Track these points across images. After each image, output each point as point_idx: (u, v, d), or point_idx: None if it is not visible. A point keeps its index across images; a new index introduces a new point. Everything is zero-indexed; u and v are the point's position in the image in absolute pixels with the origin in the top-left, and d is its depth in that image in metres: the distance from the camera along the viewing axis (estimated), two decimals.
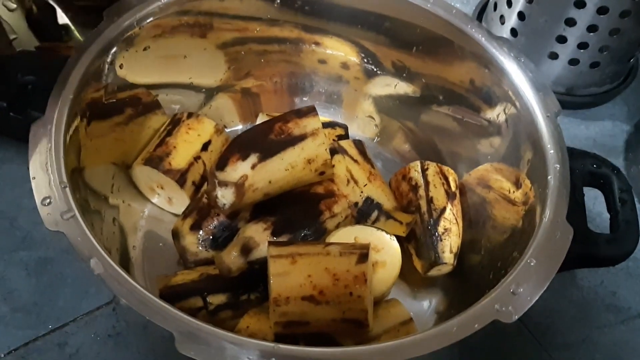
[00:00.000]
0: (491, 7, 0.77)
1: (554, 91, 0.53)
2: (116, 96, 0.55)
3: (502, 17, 0.74)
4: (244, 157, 0.50)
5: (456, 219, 0.57)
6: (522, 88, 0.53)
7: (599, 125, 0.76)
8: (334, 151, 0.58)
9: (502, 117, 0.56)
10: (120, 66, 0.54)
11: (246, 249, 0.49)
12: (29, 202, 0.42)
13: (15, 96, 0.50)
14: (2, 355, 0.52)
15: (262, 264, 0.49)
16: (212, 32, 0.60)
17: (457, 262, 0.56)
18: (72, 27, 0.68)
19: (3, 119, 0.51)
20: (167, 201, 0.60)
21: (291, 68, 0.66)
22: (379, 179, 0.58)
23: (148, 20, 0.54)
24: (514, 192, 0.53)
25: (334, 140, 0.62)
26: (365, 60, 0.64)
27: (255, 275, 0.50)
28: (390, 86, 0.65)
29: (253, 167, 0.50)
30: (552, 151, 0.49)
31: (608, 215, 0.51)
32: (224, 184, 0.49)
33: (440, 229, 0.56)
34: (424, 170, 0.59)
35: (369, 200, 0.57)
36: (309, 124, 0.52)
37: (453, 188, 0.59)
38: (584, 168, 0.52)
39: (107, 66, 0.52)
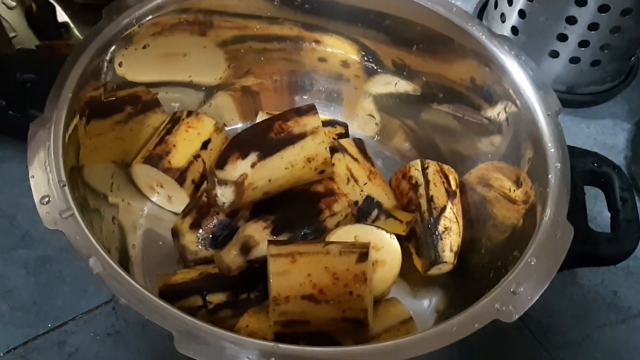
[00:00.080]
0: (492, 5, 0.77)
1: (554, 89, 0.53)
2: (115, 94, 0.55)
3: (502, 15, 0.74)
4: (244, 156, 0.50)
5: (456, 218, 0.57)
6: (523, 86, 0.53)
7: (600, 123, 0.76)
8: (334, 150, 0.57)
9: (502, 116, 0.55)
10: (120, 64, 0.54)
11: (246, 248, 0.49)
12: (28, 200, 0.42)
13: (14, 94, 0.50)
14: (2, 354, 0.52)
15: (262, 262, 0.49)
16: (212, 30, 0.60)
17: (457, 261, 0.55)
18: (72, 25, 0.68)
19: (2, 118, 0.51)
20: (167, 200, 0.60)
21: (291, 66, 0.66)
22: (379, 178, 0.58)
23: (147, 18, 0.54)
24: (514, 190, 0.53)
25: (334, 138, 0.62)
26: (366, 58, 0.64)
27: (255, 274, 0.50)
28: (390, 84, 0.65)
29: (253, 165, 0.50)
30: (552, 150, 0.49)
31: (609, 214, 0.51)
32: (223, 182, 0.49)
33: (441, 228, 0.55)
34: (424, 169, 0.59)
35: (369, 199, 0.56)
36: (309, 122, 0.52)
37: (453, 187, 0.59)
38: (585, 167, 0.52)
39: (106, 64, 0.52)
